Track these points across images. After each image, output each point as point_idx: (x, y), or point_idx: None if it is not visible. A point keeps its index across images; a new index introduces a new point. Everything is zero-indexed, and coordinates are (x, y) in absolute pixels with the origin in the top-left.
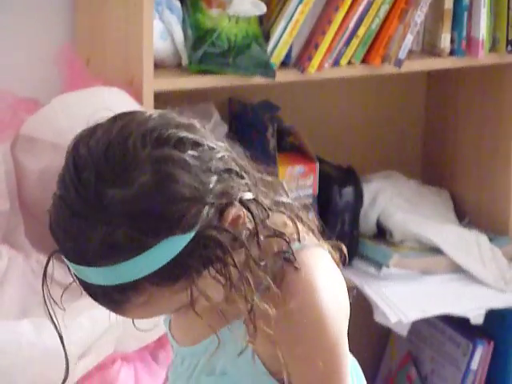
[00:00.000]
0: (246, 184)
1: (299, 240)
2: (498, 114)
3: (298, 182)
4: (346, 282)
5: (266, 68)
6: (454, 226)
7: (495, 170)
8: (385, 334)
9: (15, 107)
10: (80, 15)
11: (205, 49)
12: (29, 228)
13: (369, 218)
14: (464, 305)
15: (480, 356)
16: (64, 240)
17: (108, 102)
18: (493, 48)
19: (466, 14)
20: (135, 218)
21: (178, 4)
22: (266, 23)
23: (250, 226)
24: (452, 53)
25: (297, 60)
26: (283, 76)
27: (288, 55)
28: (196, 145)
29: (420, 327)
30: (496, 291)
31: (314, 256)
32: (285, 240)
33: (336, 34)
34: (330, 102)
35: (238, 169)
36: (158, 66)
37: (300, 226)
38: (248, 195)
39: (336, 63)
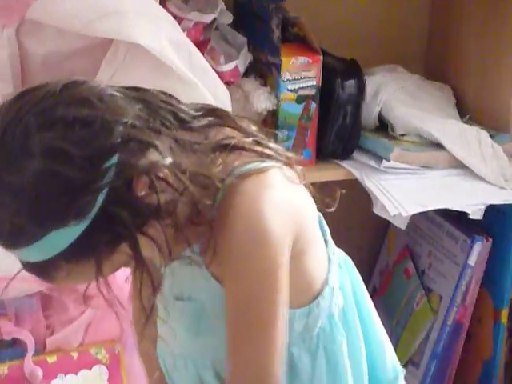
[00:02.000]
0: (157, 149)
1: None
2: (504, 10)
3: (301, 74)
4: (346, 175)
5: None
6: (455, 122)
7: (498, 67)
8: (383, 227)
9: None
10: None
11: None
12: None
13: (371, 111)
14: (463, 200)
15: (478, 252)
16: None
17: None
18: None
19: None
20: (28, 209)
21: None
22: None
23: (174, 186)
24: None
25: None
26: None
27: None
28: (87, 124)
29: (419, 222)
30: (496, 188)
31: (255, 180)
32: (217, 181)
33: None
34: None
35: (147, 134)
36: None
37: (247, 154)
38: (156, 165)
39: None
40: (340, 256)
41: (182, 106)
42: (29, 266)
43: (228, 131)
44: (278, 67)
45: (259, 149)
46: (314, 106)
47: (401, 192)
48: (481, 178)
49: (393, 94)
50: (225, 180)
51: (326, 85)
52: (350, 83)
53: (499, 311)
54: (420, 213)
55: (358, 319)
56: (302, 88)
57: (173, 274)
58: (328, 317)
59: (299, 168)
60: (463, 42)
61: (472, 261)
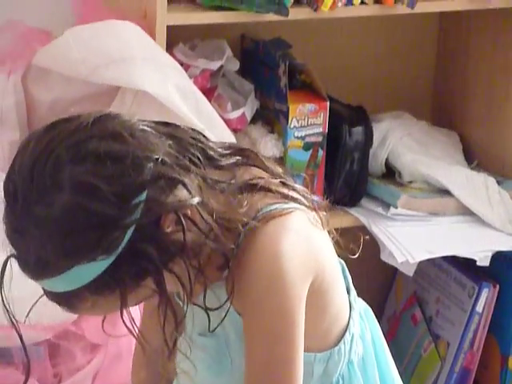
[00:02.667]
0: (186, 187)
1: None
2: (509, 57)
3: (308, 120)
4: (354, 222)
5: (279, 5)
6: (462, 168)
7: (505, 113)
8: (391, 274)
9: (28, 38)
10: None
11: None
12: None
13: (378, 158)
14: (471, 247)
15: (485, 298)
16: (13, 249)
17: (121, 36)
18: None
19: None
20: (56, 243)
21: None
22: None
23: (200, 226)
24: None
25: None
26: (296, 14)
27: None
28: (118, 160)
29: (426, 268)
30: (503, 234)
31: (277, 222)
32: (240, 224)
33: None
34: (343, 41)
35: (176, 172)
36: (172, 0)
37: (267, 198)
38: (184, 204)
39: (349, 2)
40: (361, 305)
41: (211, 144)
42: (53, 296)
43: (255, 171)
44: (286, 114)
45: (285, 191)
46: (321, 152)
47: (408, 239)
48: (488, 225)
49: (400, 140)
50: (248, 224)
51: (333, 131)
52: (358, 130)
53: (506, 357)
54: (427, 260)
55: (376, 370)
56: (309, 135)
57: (196, 311)
58: (348, 364)
59: (323, 213)
60: (470, 89)
61: (479, 307)
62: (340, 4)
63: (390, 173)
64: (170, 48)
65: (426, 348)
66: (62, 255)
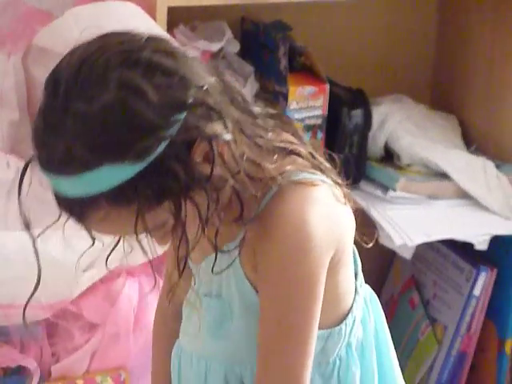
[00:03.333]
0: (222, 123)
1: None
2: (509, 41)
3: (308, 103)
4: (353, 205)
5: None
6: (461, 152)
7: (504, 97)
8: (389, 257)
9: (28, 18)
10: None
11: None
12: None
13: (377, 141)
14: (469, 230)
15: (483, 282)
16: (36, 147)
17: (122, 16)
18: None
19: None
20: (91, 138)
21: None
22: None
23: (223, 168)
24: None
25: None
26: None
27: None
28: (167, 72)
29: (424, 252)
30: (501, 218)
31: (304, 190)
32: (268, 179)
33: None
34: (343, 24)
35: (216, 106)
36: None
37: (299, 161)
38: (219, 135)
39: None
40: (367, 292)
41: (251, 101)
42: (66, 203)
43: (288, 137)
44: (285, 96)
45: (314, 161)
46: (320, 135)
47: (406, 222)
48: (486, 209)
49: (399, 124)
50: (276, 179)
51: (332, 114)
52: (357, 113)
53: (503, 341)
54: (425, 243)
55: (375, 356)
56: (309, 117)
57: (204, 271)
58: (346, 346)
59: (347, 190)
60: (469, 73)
61: (477, 291)
62: None
63: (389, 156)
64: (170, 29)
65: (423, 331)
66: (92, 150)
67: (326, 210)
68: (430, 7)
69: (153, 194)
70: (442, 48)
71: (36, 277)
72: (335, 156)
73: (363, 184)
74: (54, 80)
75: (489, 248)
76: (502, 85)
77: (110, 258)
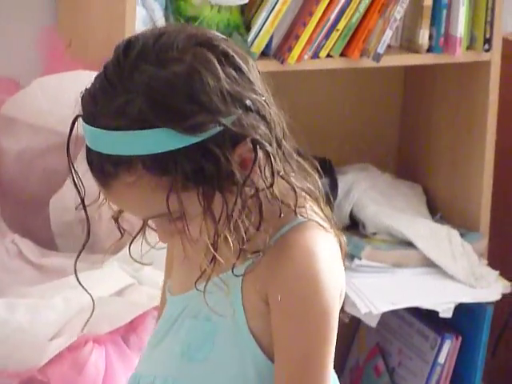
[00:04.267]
0: (269, 136)
1: (306, 215)
2: (473, 112)
3: None
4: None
5: None
6: (426, 221)
7: (468, 166)
8: (354, 325)
9: None
10: None
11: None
12: (4, 208)
13: (342, 210)
14: (433, 298)
15: (448, 350)
16: (88, 104)
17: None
18: (470, 46)
19: (444, 11)
20: (154, 96)
21: None
22: (247, 13)
23: (257, 177)
24: (430, 49)
25: (277, 50)
26: (263, 66)
27: (268, 45)
28: (238, 69)
29: (389, 320)
30: (466, 286)
31: (316, 231)
32: (291, 208)
33: (316, 26)
34: (309, 94)
35: (267, 120)
36: None
37: (315, 208)
38: (265, 145)
39: (315, 55)
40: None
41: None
42: (101, 160)
43: (309, 184)
44: None
45: (327, 211)
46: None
47: (372, 290)
48: (451, 277)
49: (364, 192)
50: (301, 212)
51: None
52: (323, 182)
53: None
54: (390, 311)
55: None
56: None
57: (199, 296)
58: None
59: (345, 244)
60: (434, 142)
61: (441, 359)
62: (306, 57)
63: (355, 224)
64: None
65: None
66: (152, 109)
67: (335, 260)
68: (396, 78)
69: (191, 172)
70: (407, 118)
71: (1, 346)
72: None
73: None
74: (127, 43)
75: (453, 316)
76: (467, 154)
77: (76, 325)
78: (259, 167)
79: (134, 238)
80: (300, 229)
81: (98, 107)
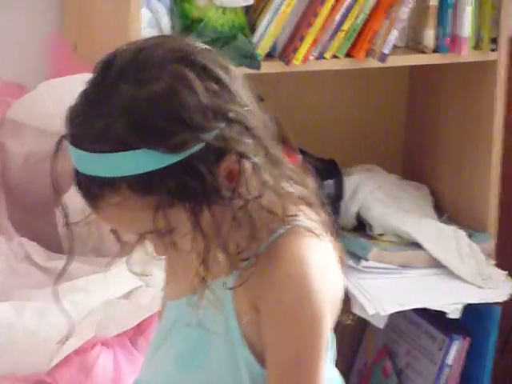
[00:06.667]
0: (254, 147)
1: (295, 222)
2: (479, 111)
3: None
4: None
5: (251, 59)
6: (433, 221)
7: (475, 166)
8: (361, 326)
9: (1, 91)
10: (68, 0)
11: (191, 38)
12: (12, 211)
13: (349, 211)
14: (441, 299)
15: (456, 351)
16: (70, 125)
17: None
18: (476, 46)
19: (450, 11)
20: (133, 118)
21: None
22: (252, 14)
23: (244, 189)
24: (436, 49)
25: (282, 52)
26: (268, 67)
27: (273, 47)
28: (218, 82)
29: (397, 321)
30: (473, 287)
31: (306, 238)
32: (279, 218)
33: (322, 27)
34: (314, 95)
35: (252, 130)
36: None
37: (310, 214)
38: (250, 157)
39: (321, 56)
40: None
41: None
42: (87, 182)
43: (302, 189)
44: None
45: (322, 215)
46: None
47: (379, 291)
48: (458, 278)
49: (370, 193)
50: (289, 220)
51: None
52: (329, 183)
53: None
54: (398, 312)
55: None
56: None
57: (190, 303)
58: None
59: (342, 250)
60: (440, 143)
61: (450, 360)
62: (312, 57)
63: (361, 226)
64: None
65: None
66: (133, 131)
67: (327, 265)
68: (401, 78)
69: (176, 190)
70: (413, 118)
71: (9, 349)
72: None
73: None
74: (106, 61)
75: (461, 317)
76: (473, 154)
77: (84, 329)
78: (246, 178)
79: (130, 251)
80: (287, 235)
81: (79, 130)
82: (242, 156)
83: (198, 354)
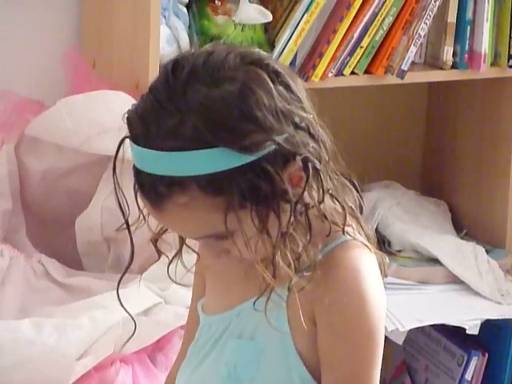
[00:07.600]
0: (318, 153)
1: (352, 234)
2: (498, 127)
3: None
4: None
5: None
6: (451, 237)
7: (494, 182)
8: None
9: (20, 108)
10: (87, 17)
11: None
12: (30, 228)
13: None
14: (460, 315)
15: (475, 366)
16: (137, 125)
17: (114, 105)
18: (494, 62)
19: (468, 27)
20: (209, 115)
21: (185, 10)
22: (271, 31)
23: (306, 194)
24: (454, 66)
25: (301, 68)
26: None
27: (292, 63)
28: (288, 87)
29: (415, 337)
30: (492, 303)
31: (362, 251)
32: (338, 227)
33: (340, 43)
34: (333, 111)
35: (315, 137)
36: None
37: (356, 227)
38: (316, 162)
39: (339, 73)
40: None
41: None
42: (153, 182)
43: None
44: None
45: (368, 229)
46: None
47: (398, 307)
48: (477, 293)
49: (389, 210)
50: (347, 230)
51: None
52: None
53: None
54: (417, 328)
55: None
56: None
57: (239, 315)
58: None
59: (387, 264)
60: (459, 159)
61: (468, 375)
62: (330, 74)
63: (380, 242)
64: None
65: None
66: (209, 129)
67: (380, 279)
68: (420, 94)
69: (247, 190)
70: (431, 134)
71: (29, 366)
72: None
73: None
74: (175, 63)
75: (480, 332)
76: (492, 170)
77: (103, 345)
78: (309, 183)
79: (172, 259)
80: (346, 247)
81: (149, 128)
82: (307, 161)
83: (249, 367)
